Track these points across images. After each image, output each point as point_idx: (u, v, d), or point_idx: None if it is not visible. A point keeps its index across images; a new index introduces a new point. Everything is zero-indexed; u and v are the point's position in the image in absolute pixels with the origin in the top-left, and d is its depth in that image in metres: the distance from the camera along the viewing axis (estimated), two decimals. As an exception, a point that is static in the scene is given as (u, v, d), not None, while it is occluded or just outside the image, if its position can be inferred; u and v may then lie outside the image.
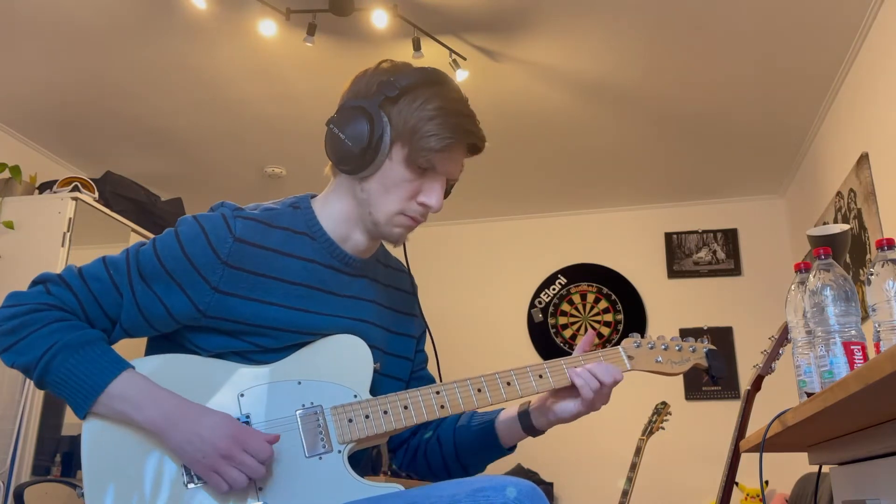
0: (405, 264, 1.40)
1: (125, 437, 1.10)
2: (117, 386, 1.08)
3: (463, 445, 1.34)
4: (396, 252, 1.36)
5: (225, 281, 1.14)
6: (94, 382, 1.08)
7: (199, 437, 1.06)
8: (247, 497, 1.09)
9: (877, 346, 1.14)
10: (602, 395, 1.24)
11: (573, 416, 1.26)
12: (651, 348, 1.33)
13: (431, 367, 1.43)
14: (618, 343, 1.33)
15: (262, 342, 1.16)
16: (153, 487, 1.08)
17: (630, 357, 1.31)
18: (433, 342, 1.42)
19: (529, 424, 1.30)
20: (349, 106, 1.19)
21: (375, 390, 1.22)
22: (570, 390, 1.26)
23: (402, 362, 1.35)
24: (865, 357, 1.21)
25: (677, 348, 1.34)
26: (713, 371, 1.34)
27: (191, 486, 1.09)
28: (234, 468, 1.06)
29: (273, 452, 1.09)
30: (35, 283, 1.16)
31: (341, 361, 1.20)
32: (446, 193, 1.23)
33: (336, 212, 1.24)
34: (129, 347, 1.15)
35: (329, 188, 1.28)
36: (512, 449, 1.34)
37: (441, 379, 1.32)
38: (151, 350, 1.22)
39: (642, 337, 1.33)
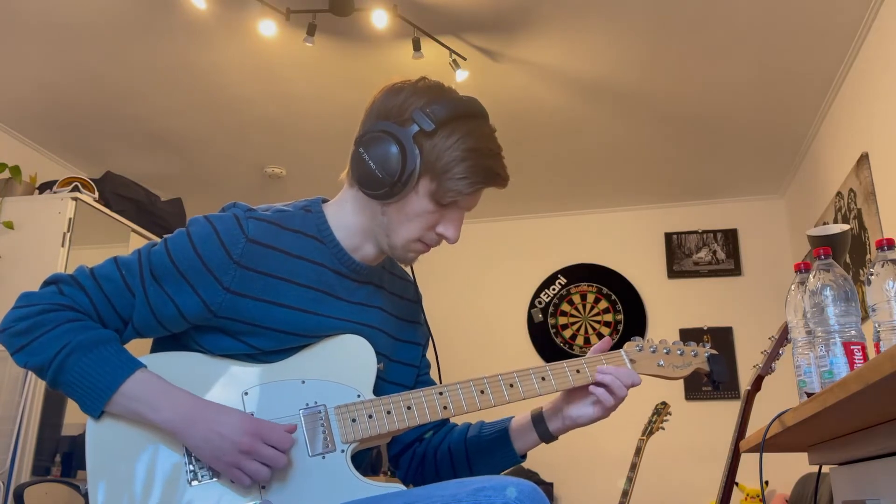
0: (410, 273, 1.40)
1: (129, 435, 1.10)
2: (131, 385, 1.08)
3: (475, 455, 1.33)
4: None
5: (237, 281, 1.14)
6: (108, 382, 1.08)
7: (219, 435, 1.07)
8: (250, 495, 1.09)
9: (877, 346, 1.14)
10: (620, 399, 1.24)
11: (591, 421, 1.26)
12: (653, 352, 1.32)
13: (433, 374, 1.43)
14: (619, 346, 1.32)
15: (268, 343, 1.16)
16: (156, 485, 1.08)
17: (632, 360, 1.30)
18: (435, 350, 1.42)
19: (545, 430, 1.30)
20: (381, 130, 1.17)
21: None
22: (584, 394, 1.27)
23: (408, 369, 1.35)
24: (865, 357, 1.21)
25: (679, 352, 1.33)
26: (715, 376, 1.33)
27: (194, 483, 1.09)
28: (255, 461, 1.07)
29: (294, 441, 1.10)
30: (47, 283, 1.16)
31: (345, 361, 1.20)
32: None
33: (350, 224, 1.23)
34: (134, 346, 1.15)
35: (344, 195, 1.26)
36: (524, 457, 1.34)
37: (441, 383, 1.32)
38: (156, 350, 1.22)
39: (644, 340, 1.33)
